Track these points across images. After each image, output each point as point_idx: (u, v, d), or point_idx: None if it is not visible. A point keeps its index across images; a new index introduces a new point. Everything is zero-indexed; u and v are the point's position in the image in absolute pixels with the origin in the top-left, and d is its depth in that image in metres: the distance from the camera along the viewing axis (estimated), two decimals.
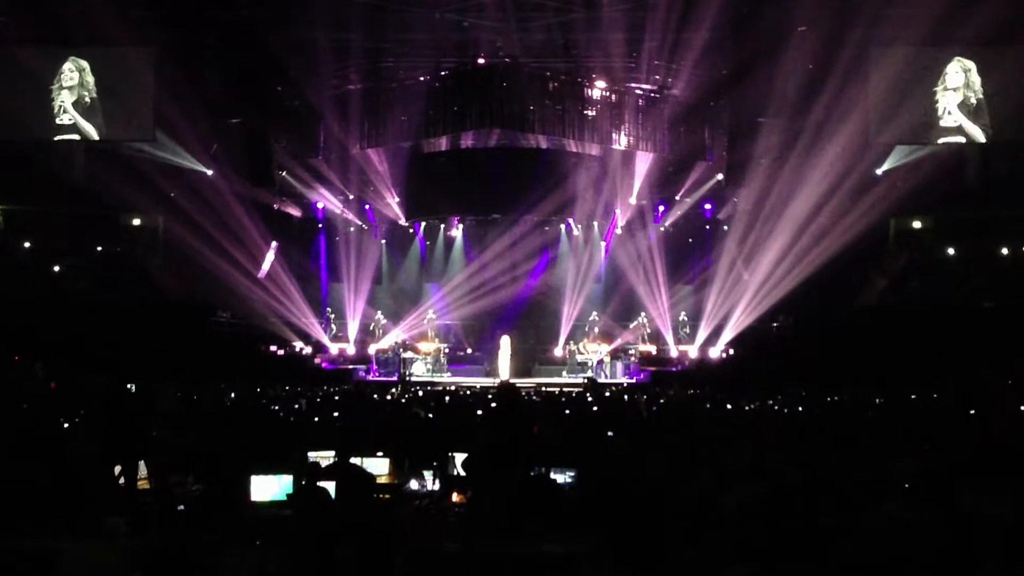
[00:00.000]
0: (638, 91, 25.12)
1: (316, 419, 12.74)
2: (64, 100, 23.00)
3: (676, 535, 4.93)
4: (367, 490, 7.56)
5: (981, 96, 22.47)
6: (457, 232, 29.77)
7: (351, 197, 29.55)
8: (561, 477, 7.79)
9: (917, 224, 25.79)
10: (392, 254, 30.48)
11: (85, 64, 22.89)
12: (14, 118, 23.12)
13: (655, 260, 29.96)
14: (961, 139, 22.96)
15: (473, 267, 29.89)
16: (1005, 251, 24.06)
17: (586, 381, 22.35)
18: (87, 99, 23.00)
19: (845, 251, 23.52)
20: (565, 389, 20.91)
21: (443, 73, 24.40)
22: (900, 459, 7.28)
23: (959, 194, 24.34)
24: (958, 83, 22.53)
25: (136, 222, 26.39)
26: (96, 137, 23.64)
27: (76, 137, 23.62)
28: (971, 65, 22.51)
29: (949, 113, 22.61)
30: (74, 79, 22.92)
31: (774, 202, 25.47)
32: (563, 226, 29.48)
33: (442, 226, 29.71)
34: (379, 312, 28.28)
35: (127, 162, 23.64)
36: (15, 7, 21.59)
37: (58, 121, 23.07)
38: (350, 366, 25.81)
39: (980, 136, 22.84)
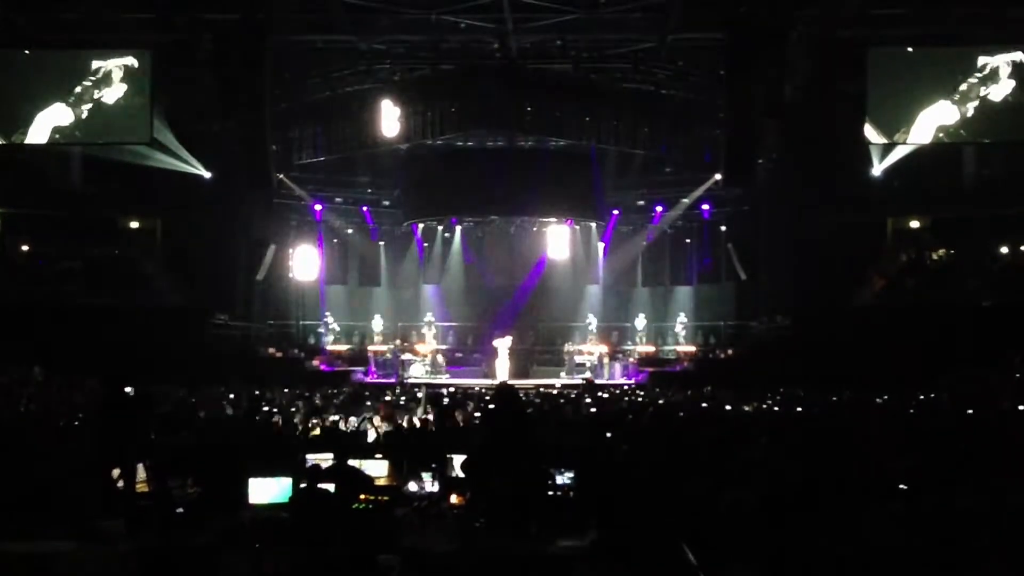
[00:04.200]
0: (636, 91, 25.12)
1: (315, 421, 12.73)
2: (60, 103, 22.96)
3: (675, 536, 4.93)
4: (366, 492, 7.56)
5: (977, 95, 22.48)
6: (455, 233, 29.76)
7: (349, 199, 29.56)
8: (560, 478, 7.78)
9: (915, 224, 25.80)
10: (390, 256, 30.48)
11: (82, 66, 22.84)
12: (10, 120, 23.07)
13: (653, 261, 30.04)
14: (959, 139, 22.99)
15: (471, 268, 29.92)
16: (1004, 250, 24.07)
17: (584, 382, 22.36)
18: (83, 101, 22.95)
19: (842, 251, 23.54)
20: (564, 390, 20.91)
21: (440, 75, 24.36)
22: (899, 459, 7.28)
23: (956, 193, 24.36)
24: (958, 82, 22.54)
25: (133, 225, 26.36)
26: (93, 140, 23.62)
27: (73, 140, 23.58)
28: (972, 64, 22.52)
29: (945, 113, 22.61)
30: (72, 82, 22.89)
31: (772, 202, 25.52)
32: (561, 227, 29.46)
33: (440, 227, 29.71)
34: (377, 314, 28.30)
35: (124, 165, 23.60)
36: (10, 9, 21.54)
37: (55, 124, 23.01)
38: (348, 368, 25.80)
39: (976, 136, 22.89)
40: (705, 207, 28.10)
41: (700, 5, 20.70)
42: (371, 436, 11.23)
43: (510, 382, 17.11)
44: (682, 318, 27.79)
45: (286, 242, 28.10)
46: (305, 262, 28.73)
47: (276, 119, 24.24)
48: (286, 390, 18.82)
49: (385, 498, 7.68)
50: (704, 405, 15.77)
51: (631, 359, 26.42)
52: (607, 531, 5.64)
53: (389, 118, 24.65)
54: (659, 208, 28.85)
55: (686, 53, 23.65)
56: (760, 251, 26.22)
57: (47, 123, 22.99)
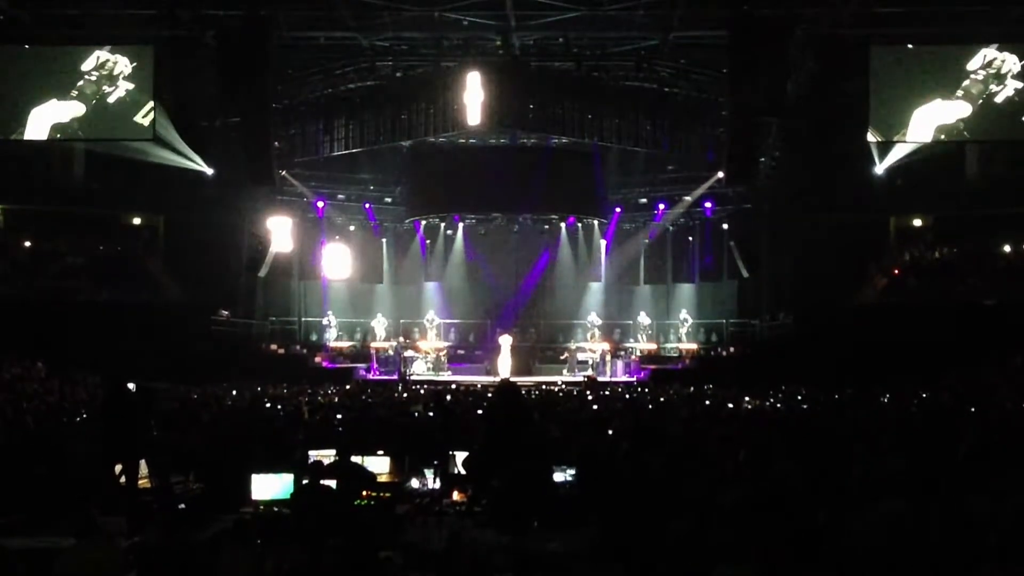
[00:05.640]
0: (638, 89, 25.11)
1: (317, 418, 12.76)
2: (63, 99, 22.98)
3: (675, 534, 4.93)
4: (368, 489, 7.57)
5: (979, 94, 22.48)
6: (457, 230, 29.78)
7: (351, 196, 29.57)
8: (561, 475, 7.79)
9: (917, 222, 25.80)
10: (392, 253, 30.50)
11: (84, 63, 22.87)
12: (11, 116, 23.10)
13: (655, 258, 30.02)
14: (961, 137, 22.99)
15: (473, 265, 29.93)
16: (1006, 248, 24.07)
17: (586, 380, 22.39)
18: (85, 97, 22.97)
19: (844, 249, 23.55)
20: (565, 387, 20.93)
21: (443, 72, 24.36)
22: (899, 458, 7.28)
23: (959, 192, 24.36)
24: (960, 81, 22.53)
25: (136, 221, 26.40)
26: (96, 136, 23.64)
27: (75, 136, 23.60)
28: (973, 63, 22.51)
29: (947, 111, 22.60)
30: (74, 78, 22.90)
31: (774, 200, 25.50)
32: (563, 224, 29.48)
33: (442, 224, 29.73)
34: (379, 311, 28.31)
35: (127, 162, 23.62)
36: (13, 4, 21.56)
37: (57, 120, 23.04)
38: (350, 365, 25.81)
39: (978, 135, 22.90)
40: (707, 205, 28.08)
41: (703, 3, 20.69)
42: None
43: (512, 379, 17.18)
44: (684, 315, 27.78)
45: (289, 239, 28.08)
46: (307, 258, 28.84)
47: (279, 115, 24.28)
48: (286, 386, 18.85)
49: (387, 495, 7.70)
50: (706, 403, 15.78)
51: (633, 357, 26.43)
52: (608, 529, 5.64)
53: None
54: (661, 206, 28.86)
55: (689, 51, 23.63)
56: (762, 249, 26.22)
57: (49, 119, 23.01)
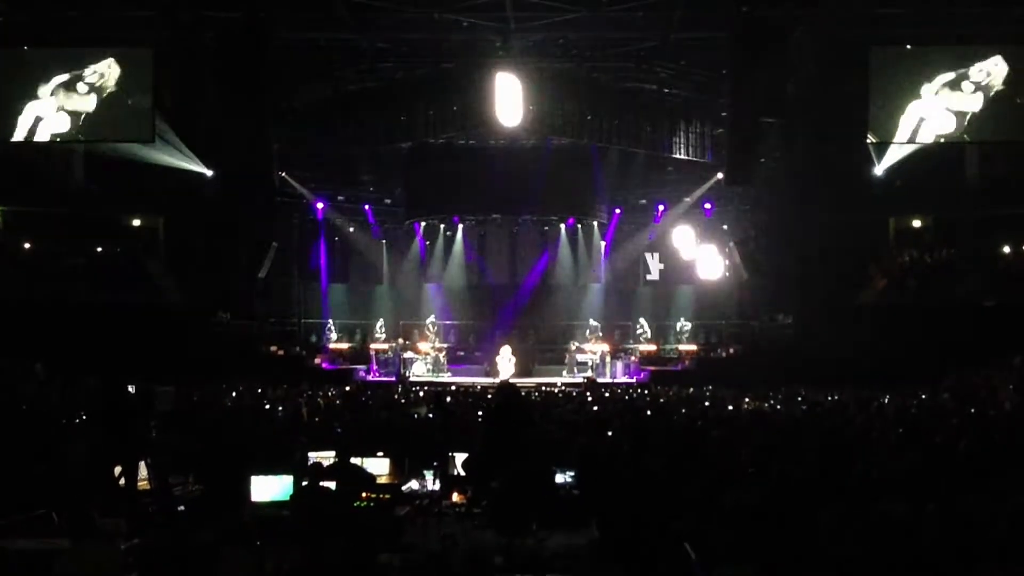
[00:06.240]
0: (639, 90, 25.11)
1: (316, 419, 12.75)
2: (63, 100, 22.98)
3: (675, 534, 4.93)
4: (367, 490, 7.57)
5: (979, 95, 22.49)
6: (457, 232, 29.75)
7: (351, 197, 29.55)
8: (561, 477, 7.79)
9: (916, 223, 25.80)
10: (392, 254, 30.47)
11: (83, 65, 22.87)
12: (12, 119, 23.10)
13: (654, 259, 29.99)
14: (960, 139, 23.00)
15: (473, 267, 29.90)
16: (1006, 249, 24.06)
17: (586, 381, 22.38)
18: (85, 99, 22.97)
19: (844, 250, 23.55)
20: (565, 389, 20.92)
21: (442, 73, 24.37)
22: (899, 458, 7.29)
23: (958, 193, 24.35)
24: (959, 81, 22.54)
25: (136, 223, 26.38)
26: (95, 138, 23.63)
27: (75, 138, 23.59)
28: (972, 64, 22.52)
29: (947, 112, 22.60)
30: (74, 79, 22.90)
31: (774, 200, 25.50)
32: (563, 225, 29.45)
33: (442, 226, 29.69)
34: (379, 312, 28.29)
35: (126, 163, 23.60)
36: (13, 7, 21.57)
37: (57, 121, 23.03)
38: (350, 366, 25.79)
39: (977, 135, 22.90)
40: (707, 206, 28.07)
41: (703, 3, 20.69)
42: None
43: (512, 381, 17.16)
44: (682, 323, 27.75)
45: (288, 240, 28.07)
46: (306, 260, 28.83)
47: (279, 116, 24.26)
48: (286, 387, 18.83)
49: (386, 496, 7.70)
50: (706, 404, 15.77)
51: (633, 357, 26.39)
52: (607, 530, 5.65)
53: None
54: (661, 207, 28.85)
55: (689, 51, 23.63)
56: (762, 250, 26.20)
57: (49, 121, 23.00)
